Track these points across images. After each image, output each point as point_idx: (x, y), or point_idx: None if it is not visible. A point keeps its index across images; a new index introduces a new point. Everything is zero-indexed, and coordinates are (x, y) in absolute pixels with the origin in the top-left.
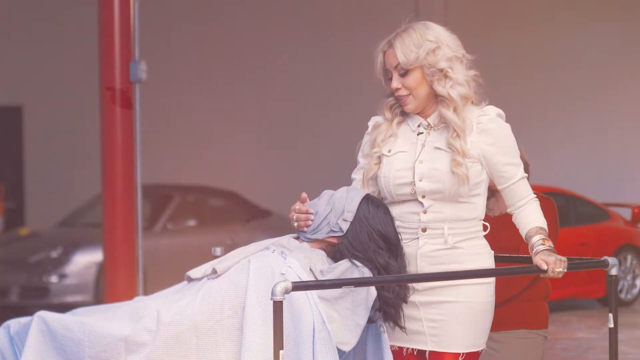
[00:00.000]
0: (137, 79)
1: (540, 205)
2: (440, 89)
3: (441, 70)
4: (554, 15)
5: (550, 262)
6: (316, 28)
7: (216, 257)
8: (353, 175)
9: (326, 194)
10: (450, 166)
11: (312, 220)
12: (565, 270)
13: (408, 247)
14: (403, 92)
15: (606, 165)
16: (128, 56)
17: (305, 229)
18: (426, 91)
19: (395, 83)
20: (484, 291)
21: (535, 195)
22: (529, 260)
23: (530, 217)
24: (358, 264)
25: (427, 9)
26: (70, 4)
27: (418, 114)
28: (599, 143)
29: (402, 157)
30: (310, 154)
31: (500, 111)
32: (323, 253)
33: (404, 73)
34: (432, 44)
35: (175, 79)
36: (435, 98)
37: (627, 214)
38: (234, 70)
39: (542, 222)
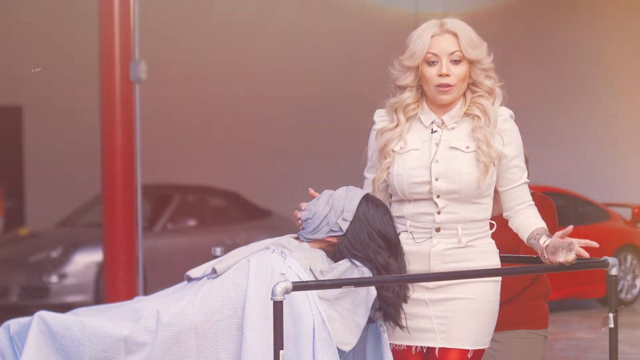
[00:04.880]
0: (137, 79)
1: (540, 205)
2: (488, 82)
3: (487, 70)
4: (555, 15)
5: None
6: (316, 28)
7: (216, 257)
8: (365, 174)
9: (325, 193)
10: (476, 155)
11: (301, 211)
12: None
13: (420, 246)
14: (452, 80)
15: (606, 165)
16: (128, 56)
17: (302, 227)
18: (466, 86)
19: (447, 69)
20: (491, 289)
21: (533, 201)
22: (530, 260)
23: (531, 219)
24: (358, 263)
25: (427, 8)
26: (71, 4)
27: (434, 109)
28: (598, 143)
29: (415, 155)
30: (310, 154)
31: (512, 112)
32: (323, 253)
33: (458, 62)
34: (484, 43)
35: (175, 79)
36: (464, 96)
37: (627, 214)
38: (233, 70)
39: (543, 224)
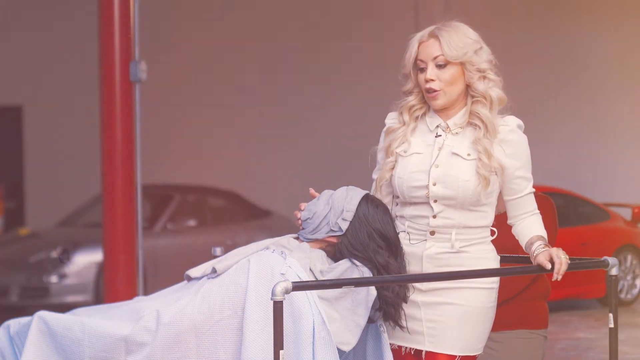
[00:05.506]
0: (137, 79)
1: (540, 205)
2: (481, 87)
3: (482, 71)
4: (555, 15)
5: (553, 254)
6: (316, 28)
7: (216, 257)
8: (373, 176)
9: (325, 193)
10: (476, 167)
11: (301, 211)
12: (567, 258)
13: (415, 247)
14: (436, 85)
15: (606, 165)
16: (128, 56)
17: (302, 227)
18: (460, 89)
19: (431, 74)
20: (485, 296)
21: (537, 210)
22: (529, 260)
23: (531, 227)
24: (358, 263)
25: (427, 9)
26: (71, 4)
27: (439, 113)
28: (599, 143)
29: (417, 159)
30: (310, 154)
31: (520, 122)
32: (323, 253)
33: (443, 65)
34: (476, 43)
35: (175, 79)
36: (464, 99)
37: (627, 214)
38: (234, 70)
39: (543, 232)
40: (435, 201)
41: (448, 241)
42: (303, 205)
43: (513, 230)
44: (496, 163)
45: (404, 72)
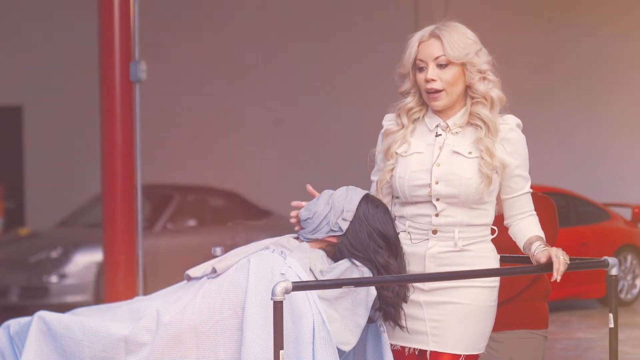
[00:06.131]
0: (137, 79)
1: (540, 205)
2: (482, 88)
3: (482, 72)
4: (555, 16)
5: (553, 254)
6: (316, 28)
7: (216, 257)
8: (372, 177)
9: (325, 193)
10: (478, 165)
11: (300, 211)
12: (567, 258)
13: (417, 247)
14: (438, 85)
15: (606, 165)
16: (128, 56)
17: (299, 226)
18: (460, 89)
19: (432, 74)
20: (486, 294)
21: (534, 201)
22: (529, 260)
23: (529, 227)
24: (358, 263)
25: (427, 9)
26: (71, 4)
27: (438, 114)
28: (599, 143)
29: (418, 158)
30: (310, 154)
31: (519, 121)
32: (323, 253)
33: (444, 66)
34: (476, 44)
35: (175, 79)
36: (464, 99)
37: (627, 214)
38: (233, 70)
39: (541, 233)
40: (437, 200)
41: (451, 239)
42: (296, 204)
43: (510, 231)
44: (498, 162)
45: (402, 72)
